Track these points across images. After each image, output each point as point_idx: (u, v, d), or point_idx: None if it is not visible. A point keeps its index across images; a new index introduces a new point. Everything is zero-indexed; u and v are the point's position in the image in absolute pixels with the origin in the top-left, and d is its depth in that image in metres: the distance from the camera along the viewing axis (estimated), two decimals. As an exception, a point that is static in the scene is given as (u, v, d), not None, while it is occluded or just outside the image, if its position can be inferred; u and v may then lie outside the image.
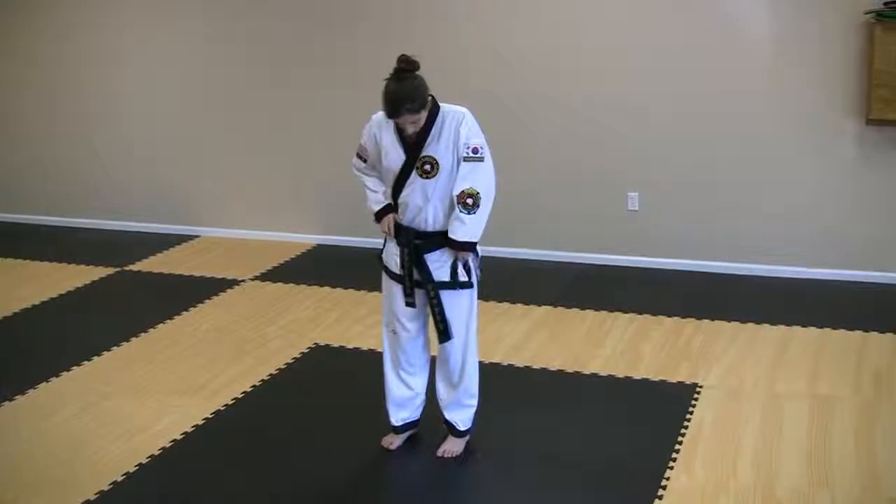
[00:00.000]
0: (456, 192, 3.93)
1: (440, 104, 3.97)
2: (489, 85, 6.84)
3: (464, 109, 3.99)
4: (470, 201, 3.92)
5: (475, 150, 3.92)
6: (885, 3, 5.80)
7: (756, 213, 6.46)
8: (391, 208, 4.11)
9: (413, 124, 3.87)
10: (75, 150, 8.40)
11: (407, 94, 3.79)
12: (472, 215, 3.94)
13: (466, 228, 3.95)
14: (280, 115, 7.60)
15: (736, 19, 6.27)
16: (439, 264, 4.05)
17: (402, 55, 3.86)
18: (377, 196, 4.15)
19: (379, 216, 4.14)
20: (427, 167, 3.95)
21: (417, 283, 4.10)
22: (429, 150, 3.94)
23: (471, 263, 4.11)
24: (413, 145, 3.95)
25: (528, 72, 6.77)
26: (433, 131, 3.93)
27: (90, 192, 8.45)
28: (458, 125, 3.92)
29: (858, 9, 5.91)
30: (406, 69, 3.84)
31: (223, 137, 7.86)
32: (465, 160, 3.92)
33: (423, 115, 3.88)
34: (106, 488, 4.10)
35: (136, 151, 8.18)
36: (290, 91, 7.50)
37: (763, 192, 6.41)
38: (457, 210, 3.94)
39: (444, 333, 4.10)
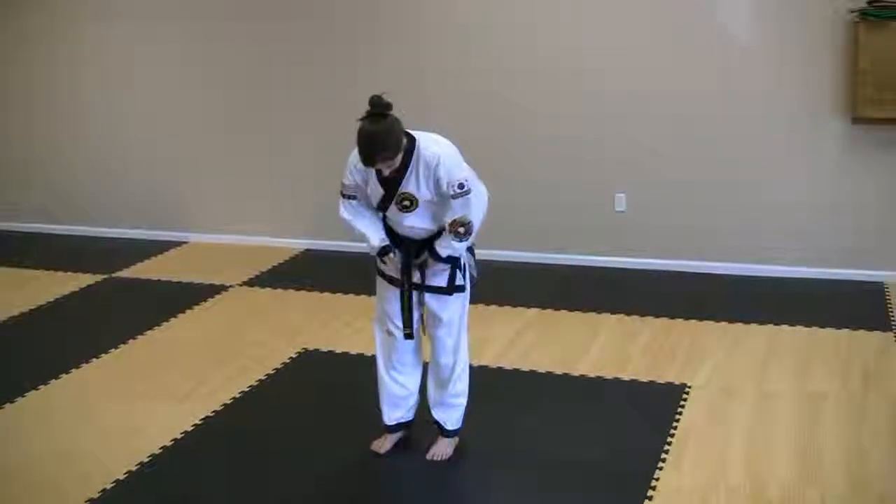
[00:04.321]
0: (448, 220, 3.95)
1: (417, 139, 3.92)
2: (480, 88, 6.86)
3: (440, 152, 3.91)
4: (462, 230, 3.95)
5: (461, 186, 3.89)
6: (869, 2, 5.82)
7: (743, 212, 6.48)
8: (388, 249, 4.09)
9: (389, 167, 3.87)
10: (62, 156, 8.38)
11: (381, 143, 3.75)
12: (463, 242, 3.99)
13: (452, 250, 4.01)
14: (269, 120, 7.59)
15: (721, 20, 6.29)
16: (438, 269, 4.08)
17: (374, 97, 3.78)
18: (373, 241, 4.09)
19: (380, 255, 4.12)
20: (406, 203, 3.96)
21: (415, 286, 4.13)
22: (406, 187, 3.93)
23: (464, 263, 4.15)
24: (390, 182, 3.95)
25: (517, 75, 6.78)
26: (410, 169, 3.91)
27: (77, 198, 8.42)
28: (435, 169, 3.87)
29: (843, 8, 5.93)
30: (378, 113, 3.77)
31: (211, 143, 7.85)
32: (453, 198, 3.90)
33: (399, 157, 3.85)
34: (95, 496, 4.08)
35: (124, 157, 8.16)
36: (281, 96, 7.50)
37: (750, 191, 6.43)
38: (448, 234, 3.97)
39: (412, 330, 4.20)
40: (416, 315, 4.20)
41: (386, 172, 3.90)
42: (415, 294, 4.16)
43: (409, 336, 4.20)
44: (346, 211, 4.14)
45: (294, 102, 7.45)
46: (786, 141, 6.32)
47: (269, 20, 7.38)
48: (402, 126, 3.84)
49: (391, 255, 4.09)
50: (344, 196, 4.12)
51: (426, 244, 4.06)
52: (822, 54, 6.10)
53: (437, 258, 4.04)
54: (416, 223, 4.03)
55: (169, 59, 7.82)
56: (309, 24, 7.27)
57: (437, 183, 3.89)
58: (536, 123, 6.82)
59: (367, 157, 3.78)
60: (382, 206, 4.04)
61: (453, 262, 4.07)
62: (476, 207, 3.96)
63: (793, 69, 6.19)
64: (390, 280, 4.19)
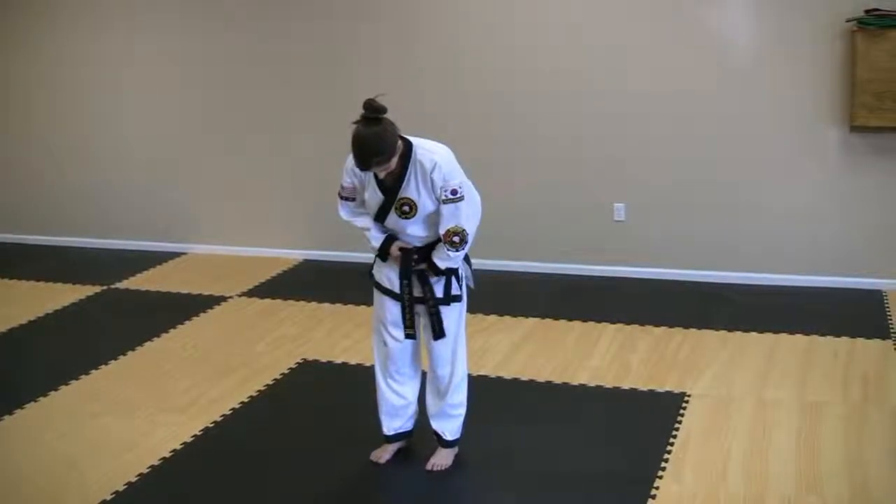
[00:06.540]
0: (442, 231, 3.96)
1: (414, 143, 3.94)
2: (478, 98, 6.87)
3: (436, 157, 3.92)
4: (456, 239, 3.96)
5: (454, 192, 3.91)
6: (866, 11, 5.83)
7: (742, 221, 6.48)
8: (393, 238, 4.11)
9: (384, 171, 3.88)
10: (61, 169, 8.38)
11: (374, 147, 3.76)
12: (459, 252, 4.00)
13: (450, 261, 4.03)
14: (267, 131, 7.60)
15: (720, 30, 6.30)
16: (433, 281, 4.10)
17: (367, 101, 3.79)
18: (374, 233, 4.12)
19: (384, 250, 4.12)
20: (405, 208, 3.97)
21: (418, 299, 4.13)
22: (406, 192, 3.95)
23: (461, 273, 4.15)
24: (390, 188, 3.96)
25: (514, 84, 6.79)
26: (408, 174, 3.92)
27: (76, 210, 8.42)
28: (431, 173, 3.89)
29: (840, 17, 5.94)
30: (372, 117, 3.78)
31: (210, 155, 7.85)
32: (444, 203, 3.92)
33: (394, 160, 3.86)
34: (95, 507, 4.09)
35: (123, 169, 8.17)
36: (280, 107, 7.50)
37: (749, 201, 6.44)
38: (443, 245, 3.98)
39: (441, 332, 4.13)
40: (418, 318, 4.20)
41: (382, 176, 3.91)
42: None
43: (410, 336, 4.19)
44: (344, 212, 4.20)
45: (292, 110, 7.45)
46: (785, 150, 6.32)
47: (275, 38, 7.36)
48: (397, 129, 3.85)
49: (396, 244, 4.09)
50: (342, 198, 4.16)
51: (425, 252, 4.07)
52: (820, 63, 6.10)
53: (437, 271, 4.04)
54: (417, 231, 4.04)
55: (169, 79, 7.81)
56: (312, 43, 7.25)
57: (433, 186, 3.91)
58: (533, 134, 6.82)
59: (362, 161, 3.80)
60: (381, 215, 4.05)
61: (450, 271, 4.08)
62: (468, 215, 3.97)
63: (791, 79, 6.20)
64: (383, 290, 4.20)
